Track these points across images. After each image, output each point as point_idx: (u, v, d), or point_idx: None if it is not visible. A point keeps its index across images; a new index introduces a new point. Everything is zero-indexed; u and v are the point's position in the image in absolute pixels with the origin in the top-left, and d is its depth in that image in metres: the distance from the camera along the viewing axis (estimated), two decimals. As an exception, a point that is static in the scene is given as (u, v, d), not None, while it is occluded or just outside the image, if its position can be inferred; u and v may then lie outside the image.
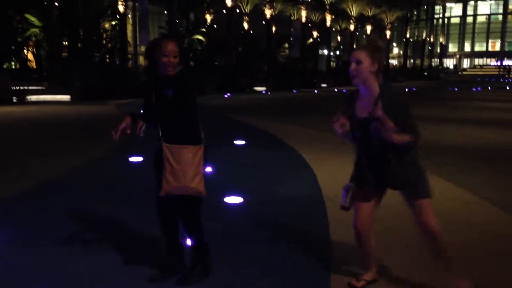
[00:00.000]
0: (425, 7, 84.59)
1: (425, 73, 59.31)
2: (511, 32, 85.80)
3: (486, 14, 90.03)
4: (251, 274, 3.53)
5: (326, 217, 4.92)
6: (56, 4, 24.93)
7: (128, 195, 5.74)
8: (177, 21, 30.76)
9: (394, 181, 3.12)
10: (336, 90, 31.83)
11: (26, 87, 20.15)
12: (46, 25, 25.00)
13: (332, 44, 53.18)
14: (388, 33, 56.23)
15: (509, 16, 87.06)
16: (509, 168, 7.57)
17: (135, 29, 29.30)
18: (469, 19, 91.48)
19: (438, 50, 77.99)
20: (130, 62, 32.67)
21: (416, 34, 78.88)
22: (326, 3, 43.86)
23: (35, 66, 28.89)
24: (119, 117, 14.59)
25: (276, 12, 38.92)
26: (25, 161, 7.75)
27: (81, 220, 4.83)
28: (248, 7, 37.19)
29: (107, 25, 32.50)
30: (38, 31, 26.89)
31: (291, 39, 42.09)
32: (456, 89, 32.80)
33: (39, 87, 22.01)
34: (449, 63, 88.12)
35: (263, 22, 39.70)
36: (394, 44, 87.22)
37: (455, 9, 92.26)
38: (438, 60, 77.49)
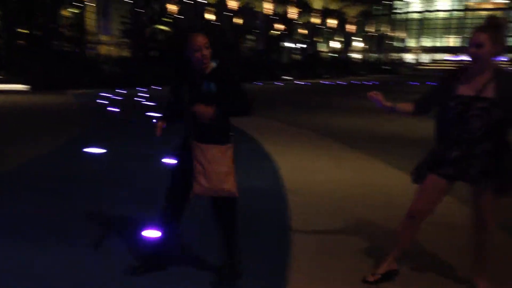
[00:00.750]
0: (387, 2, 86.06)
1: (386, 68, 60.51)
2: (469, 28, 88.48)
3: (445, 10, 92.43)
4: (212, 266, 3.57)
5: (288, 208, 5.02)
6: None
7: (81, 186, 5.66)
8: (140, 10, 30.24)
9: (480, 170, 2.93)
10: (300, 82, 32.10)
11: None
12: (3, 13, 24.09)
13: (296, 37, 53.49)
14: (350, 27, 57.03)
15: (467, 13, 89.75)
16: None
17: (97, 18, 28.62)
18: (429, 15, 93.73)
19: (399, 44, 79.64)
20: (91, 51, 31.86)
21: (377, 28, 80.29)
22: (291, -4, 44.07)
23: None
24: (77, 108, 14.23)
25: (241, 4, 38.80)
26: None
27: (31, 213, 4.75)
28: (213, -2, 36.94)
29: (66, 13, 31.55)
30: (-6, 19, 25.85)
31: (256, 31, 42.09)
32: (415, 83, 33.64)
33: (-4, 77, 21.25)
34: (409, 57, 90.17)
35: (229, 14, 39.52)
36: (357, 38, 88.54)
37: (415, 5, 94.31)
38: (399, 55, 79.13)
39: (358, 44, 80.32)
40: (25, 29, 27.25)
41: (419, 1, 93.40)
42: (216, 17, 39.11)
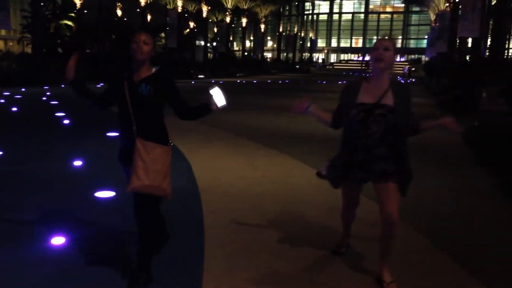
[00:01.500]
0: (296, 3, 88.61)
1: (297, 66, 62.32)
2: (372, 30, 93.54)
3: (350, 12, 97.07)
4: (123, 272, 3.47)
5: (200, 207, 5.00)
6: None
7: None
8: (42, 4, 28.49)
9: (380, 170, 3.22)
10: (213, 81, 32.09)
11: None
12: None
13: (209, 35, 53.41)
14: (262, 26, 58.02)
15: (369, 15, 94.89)
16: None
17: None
18: (335, 17, 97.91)
19: (308, 44, 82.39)
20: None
21: (288, 28, 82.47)
22: (202, -7, 43.90)
23: None
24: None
25: (151, 0, 37.97)
26: None
27: None
28: (121, -7, 35.79)
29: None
30: None
31: (167, 28, 41.41)
32: (324, 82, 35.00)
33: None
34: (318, 57, 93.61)
35: (138, 10, 38.50)
36: (269, 38, 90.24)
37: (323, 6, 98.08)
38: (309, 54, 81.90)
39: (270, 43, 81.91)
40: None
41: (326, 3, 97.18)
42: (125, 13, 37.95)
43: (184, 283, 3.37)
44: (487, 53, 22.43)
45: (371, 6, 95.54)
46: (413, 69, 54.84)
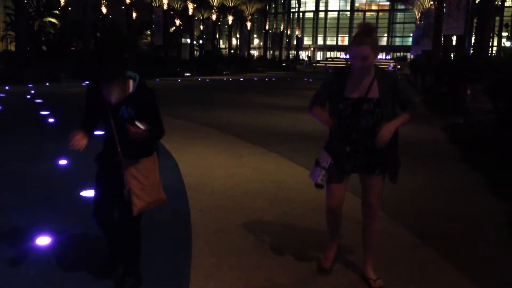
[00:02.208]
0: (282, 0, 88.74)
1: (284, 64, 62.38)
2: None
3: (335, 10, 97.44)
4: (109, 273, 3.44)
5: (188, 206, 4.98)
6: None
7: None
8: (25, 1, 28.13)
9: (369, 164, 3.20)
10: (199, 79, 31.98)
11: None
12: None
13: (195, 33, 53.18)
14: (248, 24, 57.93)
15: (355, 13, 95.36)
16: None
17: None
18: (321, 14, 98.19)
19: (295, 42, 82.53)
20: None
21: (274, 26, 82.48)
22: (188, -9, 43.67)
23: None
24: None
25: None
26: None
27: None
28: (106, -10, 35.45)
29: None
30: None
31: (153, 26, 41.15)
32: (310, 80, 35.10)
33: None
34: (304, 55, 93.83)
35: (123, 7, 38.19)
36: (255, 36, 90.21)
37: (309, 4, 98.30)
38: (295, 52, 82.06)
39: (256, 41, 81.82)
40: None
41: (312, 1, 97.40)
42: (110, 11, 37.64)
43: (172, 282, 3.34)
44: (471, 51, 22.69)
45: (356, 4, 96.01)
46: (399, 66, 55.27)
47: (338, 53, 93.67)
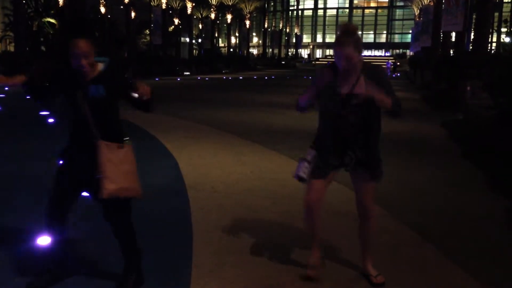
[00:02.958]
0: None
1: (283, 62, 62.37)
2: (357, 25, 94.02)
3: (334, 8, 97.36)
4: (113, 272, 3.44)
5: (188, 205, 4.98)
6: None
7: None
8: (24, 1, 28.10)
9: (356, 161, 3.19)
10: (199, 78, 31.98)
11: None
12: None
13: (194, 32, 53.15)
14: (247, 22, 57.88)
15: (354, 11, 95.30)
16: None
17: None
18: (320, 12, 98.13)
19: (294, 40, 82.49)
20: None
21: (273, 24, 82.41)
22: (187, -10, 43.62)
23: None
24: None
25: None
26: None
27: None
28: (105, -10, 35.41)
29: None
30: None
31: (152, 25, 41.12)
32: (310, 77, 35.08)
33: None
34: (304, 53, 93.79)
35: (121, 7, 38.17)
36: (254, 34, 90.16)
37: (308, 2, 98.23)
38: (294, 50, 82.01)
39: (255, 39, 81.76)
40: None
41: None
42: (108, 10, 37.60)
43: (173, 280, 3.34)
44: (470, 47, 22.68)
45: (355, 1, 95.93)
46: (398, 63, 55.19)
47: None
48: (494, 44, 47.75)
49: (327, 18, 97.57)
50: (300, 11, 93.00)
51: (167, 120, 11.08)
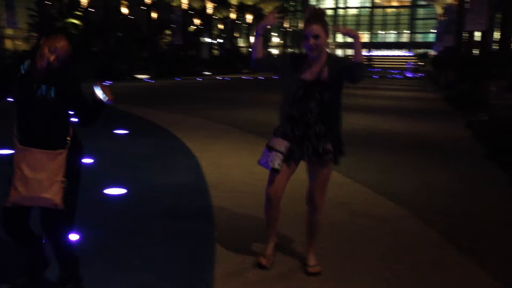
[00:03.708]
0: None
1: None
2: (378, 25, 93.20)
3: (355, 7, 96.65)
4: (140, 272, 3.48)
5: (210, 204, 5.00)
6: None
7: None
8: (48, 2, 28.60)
9: (316, 149, 3.26)
10: (219, 77, 32.09)
11: None
12: None
13: (214, 32, 53.37)
14: (268, 22, 57.82)
15: (375, 10, 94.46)
16: (377, 150, 8.30)
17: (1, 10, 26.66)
18: (341, 12, 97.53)
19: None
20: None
21: (294, 24, 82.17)
22: (207, -10, 43.82)
23: None
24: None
25: (156, -2, 38.02)
26: None
27: None
28: (127, -9, 35.81)
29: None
30: None
31: (173, 25, 41.41)
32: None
33: None
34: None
35: (143, 8, 38.58)
36: (274, 34, 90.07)
37: (328, 1, 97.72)
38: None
39: (275, 39, 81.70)
40: None
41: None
42: (130, 11, 38.06)
43: (196, 280, 3.36)
44: (494, 47, 22.28)
45: (377, 0, 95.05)
46: (422, 63, 54.38)
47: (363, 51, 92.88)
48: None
49: (348, 17, 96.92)
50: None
51: (189, 120, 11.14)
